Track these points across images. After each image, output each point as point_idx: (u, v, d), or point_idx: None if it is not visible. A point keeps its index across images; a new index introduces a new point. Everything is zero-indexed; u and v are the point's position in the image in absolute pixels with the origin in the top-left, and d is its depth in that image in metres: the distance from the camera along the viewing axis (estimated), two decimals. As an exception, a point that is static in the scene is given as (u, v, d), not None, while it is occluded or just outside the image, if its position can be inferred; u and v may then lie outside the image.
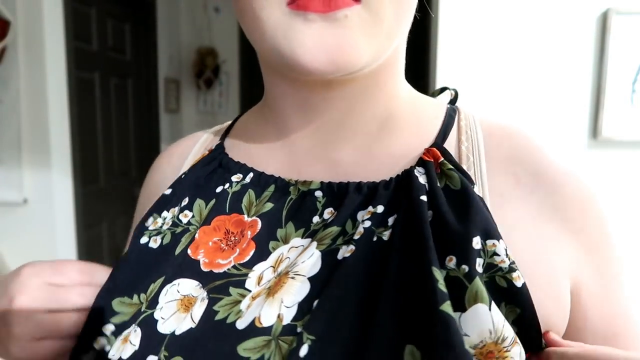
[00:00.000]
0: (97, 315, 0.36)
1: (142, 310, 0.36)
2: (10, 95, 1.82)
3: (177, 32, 3.19)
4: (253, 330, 0.33)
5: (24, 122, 1.85)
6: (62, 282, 0.38)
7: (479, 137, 0.40)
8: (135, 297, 0.37)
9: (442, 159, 0.37)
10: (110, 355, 0.34)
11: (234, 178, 0.44)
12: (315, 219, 0.39)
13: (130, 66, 2.67)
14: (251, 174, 0.43)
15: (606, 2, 1.48)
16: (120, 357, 0.34)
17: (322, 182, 0.40)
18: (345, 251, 0.35)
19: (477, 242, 0.32)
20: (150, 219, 0.42)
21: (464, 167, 0.38)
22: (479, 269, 0.32)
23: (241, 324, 0.34)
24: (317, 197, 0.39)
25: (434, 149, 0.38)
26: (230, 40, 3.26)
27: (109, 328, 0.35)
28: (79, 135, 2.05)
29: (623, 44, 1.50)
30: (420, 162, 0.38)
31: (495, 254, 0.33)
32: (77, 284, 0.38)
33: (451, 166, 0.37)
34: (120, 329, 0.35)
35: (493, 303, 0.30)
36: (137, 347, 0.34)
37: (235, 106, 3.35)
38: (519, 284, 0.32)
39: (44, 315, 0.37)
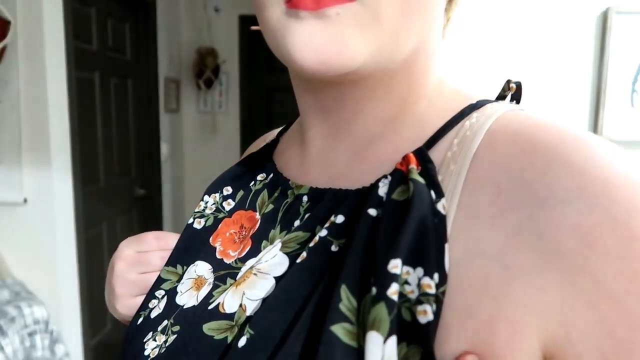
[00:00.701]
0: (155, 281, 0.44)
1: (177, 282, 0.43)
2: (10, 95, 1.82)
3: (177, 32, 3.19)
4: (216, 314, 0.37)
5: (24, 122, 1.85)
6: (146, 249, 0.46)
7: (476, 140, 0.33)
8: (179, 267, 0.44)
9: (412, 166, 0.32)
10: (151, 314, 0.42)
11: (259, 177, 0.46)
12: (296, 222, 0.39)
13: (130, 66, 2.67)
14: (272, 175, 0.45)
15: (606, 2, 1.48)
16: (151, 316, 0.42)
17: (310, 187, 0.40)
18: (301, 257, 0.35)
19: (394, 266, 0.28)
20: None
21: (440, 176, 0.32)
22: (393, 296, 0.27)
23: (210, 307, 0.38)
24: (302, 201, 0.40)
25: (411, 154, 0.33)
26: (230, 40, 3.26)
27: (161, 293, 0.43)
28: (79, 135, 2.05)
29: (623, 43, 1.49)
30: (394, 169, 0.34)
31: (406, 282, 0.29)
32: (157, 250, 0.46)
33: (416, 176, 0.31)
34: (166, 294, 0.43)
35: (393, 337, 0.27)
36: (161, 311, 0.41)
37: (236, 106, 3.35)
38: (422, 320, 0.27)
39: (137, 276, 0.46)
